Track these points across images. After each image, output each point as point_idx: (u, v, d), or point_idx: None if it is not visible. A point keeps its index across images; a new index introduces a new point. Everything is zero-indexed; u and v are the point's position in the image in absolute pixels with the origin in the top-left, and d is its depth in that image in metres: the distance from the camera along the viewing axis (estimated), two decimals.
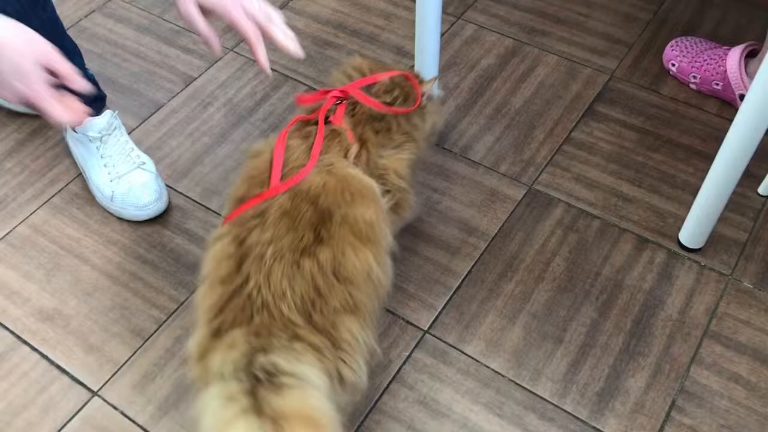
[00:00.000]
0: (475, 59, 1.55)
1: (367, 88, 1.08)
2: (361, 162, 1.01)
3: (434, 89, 1.16)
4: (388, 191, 1.03)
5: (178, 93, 1.51)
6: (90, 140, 1.28)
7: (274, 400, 0.75)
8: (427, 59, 1.35)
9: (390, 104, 1.08)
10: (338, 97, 1.05)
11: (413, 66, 1.41)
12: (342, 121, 1.02)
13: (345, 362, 0.84)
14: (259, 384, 0.76)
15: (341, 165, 0.97)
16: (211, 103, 1.49)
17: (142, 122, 1.45)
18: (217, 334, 0.83)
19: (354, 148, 1.01)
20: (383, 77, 1.10)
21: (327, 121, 1.02)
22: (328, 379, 0.81)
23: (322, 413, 0.77)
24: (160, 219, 1.29)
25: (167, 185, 1.33)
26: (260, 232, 0.88)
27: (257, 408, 0.74)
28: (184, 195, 1.33)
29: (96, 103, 1.31)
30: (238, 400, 0.75)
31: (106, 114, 1.29)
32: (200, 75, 1.54)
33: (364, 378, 0.87)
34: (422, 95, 1.12)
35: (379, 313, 0.95)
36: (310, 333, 0.82)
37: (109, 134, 1.28)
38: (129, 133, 1.37)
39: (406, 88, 1.11)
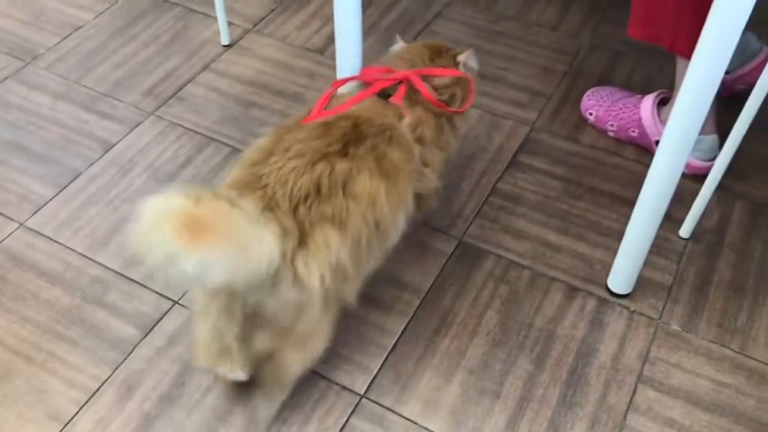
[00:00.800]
0: None
1: (429, 78, 1.13)
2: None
3: (471, 60, 1.22)
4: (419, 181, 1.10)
5: (97, 160, 1.46)
6: None
7: (210, 200, 0.80)
8: None
9: (449, 103, 1.15)
10: (399, 79, 1.10)
11: None
12: (401, 101, 1.08)
13: (304, 262, 0.87)
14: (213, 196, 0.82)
15: (394, 120, 1.05)
16: (132, 169, 1.44)
17: (60, 191, 1.40)
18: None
19: (408, 119, 1.07)
20: (446, 74, 1.15)
21: (387, 97, 1.08)
22: (280, 254, 0.84)
23: (243, 230, 0.80)
24: (79, 293, 1.23)
25: (85, 256, 1.28)
26: (297, 133, 0.97)
27: (194, 198, 0.79)
28: (103, 266, 1.27)
29: None
30: (188, 193, 0.80)
31: None
32: (120, 140, 1.50)
33: (315, 284, 0.88)
34: (458, 64, 1.18)
35: (374, 264, 1.02)
36: (285, 216, 0.87)
37: None
38: (45, 204, 1.32)
39: (464, 89, 1.18)
